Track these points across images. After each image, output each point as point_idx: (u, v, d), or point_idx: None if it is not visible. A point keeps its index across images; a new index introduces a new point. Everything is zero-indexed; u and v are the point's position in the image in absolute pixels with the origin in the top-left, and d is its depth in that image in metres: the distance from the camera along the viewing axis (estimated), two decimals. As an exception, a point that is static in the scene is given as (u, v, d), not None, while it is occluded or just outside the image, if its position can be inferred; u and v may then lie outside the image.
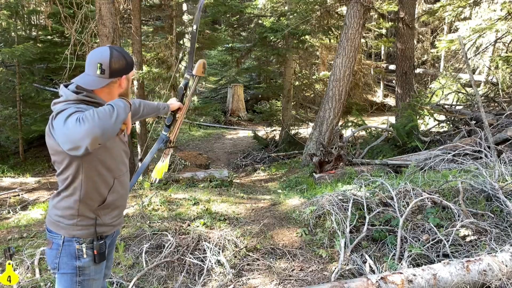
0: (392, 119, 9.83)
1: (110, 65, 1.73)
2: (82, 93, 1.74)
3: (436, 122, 9.12)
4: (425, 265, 2.98)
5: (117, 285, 3.06)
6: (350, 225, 3.69)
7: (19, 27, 11.10)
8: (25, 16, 11.21)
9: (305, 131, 11.85)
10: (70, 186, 1.75)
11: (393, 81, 17.05)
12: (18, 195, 7.35)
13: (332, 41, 14.22)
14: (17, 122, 10.72)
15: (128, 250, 3.61)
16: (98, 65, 1.72)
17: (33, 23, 13.31)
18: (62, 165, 1.72)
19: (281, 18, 11.85)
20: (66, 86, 1.78)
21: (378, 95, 19.20)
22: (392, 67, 18.59)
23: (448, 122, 8.85)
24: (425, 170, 5.21)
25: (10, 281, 1.72)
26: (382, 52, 21.35)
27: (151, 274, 3.24)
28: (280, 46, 11.65)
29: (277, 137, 11.94)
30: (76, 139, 1.48)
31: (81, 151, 1.50)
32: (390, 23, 12.63)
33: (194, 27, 2.59)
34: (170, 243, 3.63)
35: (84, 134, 1.47)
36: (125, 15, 9.44)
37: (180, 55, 10.92)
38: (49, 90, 10.81)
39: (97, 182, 1.78)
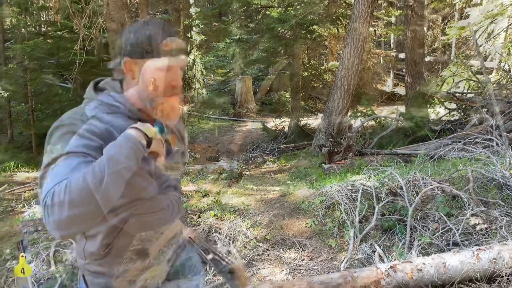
0: (402, 109, 9.74)
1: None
2: (105, 91, 1.25)
3: (447, 111, 9.01)
4: (434, 254, 2.98)
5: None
6: (359, 215, 3.70)
7: (28, 23, 11.22)
8: (34, 12, 11.31)
9: (314, 122, 11.83)
10: None
11: (403, 70, 16.85)
12: (32, 189, 7.49)
13: (340, 30, 14.08)
14: (30, 117, 10.89)
15: (140, 242, 3.66)
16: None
17: (42, 19, 13.42)
18: None
19: (288, 8, 11.76)
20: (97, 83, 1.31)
21: (388, 84, 19.00)
22: (402, 55, 18.35)
23: (459, 110, 8.74)
24: (435, 159, 5.17)
25: (24, 273, 1.77)
26: (392, 40, 21.09)
27: (163, 265, 3.29)
28: (288, 36, 11.58)
29: (286, 129, 11.93)
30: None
31: None
32: (399, 11, 12.48)
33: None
34: (181, 235, 3.67)
35: (52, 226, 0.98)
36: (133, 9, 9.48)
37: (188, 48, 10.94)
38: (60, 85, 10.94)
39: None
